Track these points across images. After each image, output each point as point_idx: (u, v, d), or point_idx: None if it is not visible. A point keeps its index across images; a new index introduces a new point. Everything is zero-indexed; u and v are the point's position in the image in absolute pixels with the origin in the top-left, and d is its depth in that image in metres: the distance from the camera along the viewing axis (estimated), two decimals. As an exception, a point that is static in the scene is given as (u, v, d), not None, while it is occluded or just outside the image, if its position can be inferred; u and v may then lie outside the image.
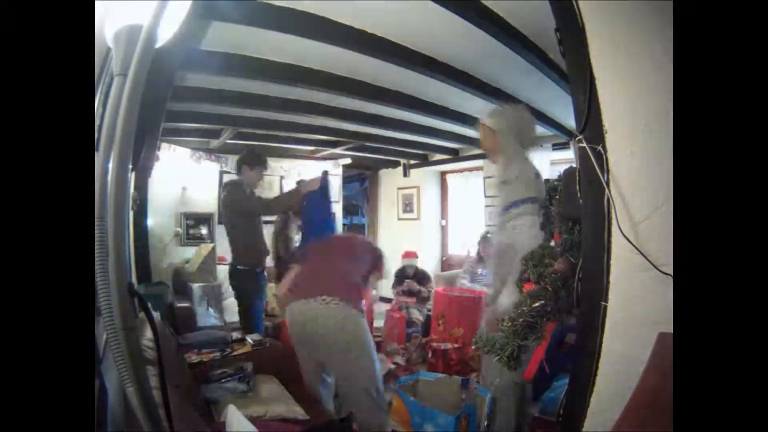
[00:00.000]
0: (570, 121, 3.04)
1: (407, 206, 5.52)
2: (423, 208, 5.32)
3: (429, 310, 3.70)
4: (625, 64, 0.95)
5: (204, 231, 4.32)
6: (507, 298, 1.69)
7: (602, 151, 0.96)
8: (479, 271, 3.86)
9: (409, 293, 4.02)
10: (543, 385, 2.33)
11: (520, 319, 1.32)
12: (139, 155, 2.52)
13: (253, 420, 1.37)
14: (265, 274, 2.89)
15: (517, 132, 1.71)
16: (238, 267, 2.73)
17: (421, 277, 4.18)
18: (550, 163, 3.77)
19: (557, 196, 1.44)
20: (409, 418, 1.67)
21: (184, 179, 4.15)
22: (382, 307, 4.21)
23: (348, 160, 5.06)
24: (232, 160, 4.43)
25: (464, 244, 4.82)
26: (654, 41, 0.90)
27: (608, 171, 0.96)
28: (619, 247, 0.95)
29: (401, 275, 4.20)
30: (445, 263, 5.19)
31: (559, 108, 2.89)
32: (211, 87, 2.57)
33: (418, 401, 1.66)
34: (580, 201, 1.06)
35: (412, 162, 5.28)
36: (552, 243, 1.60)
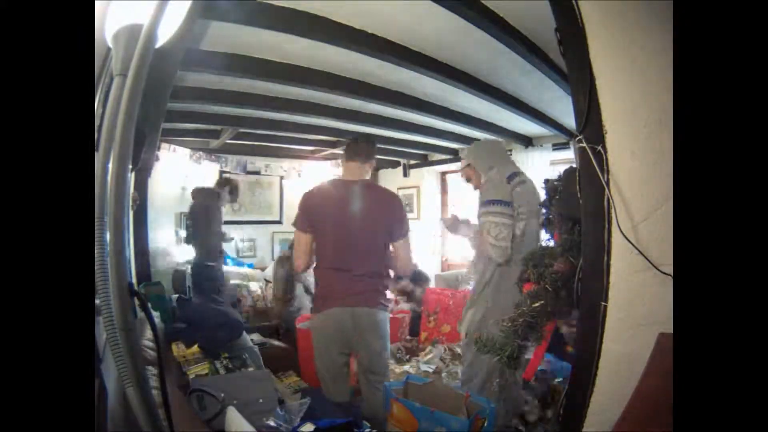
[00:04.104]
0: (570, 121, 3.04)
1: (407, 206, 5.50)
2: (423, 208, 5.32)
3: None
4: (625, 64, 0.95)
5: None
6: (471, 316, 1.99)
7: (602, 151, 0.96)
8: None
9: (403, 293, 4.04)
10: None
11: (520, 319, 1.32)
12: (139, 155, 2.52)
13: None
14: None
15: (485, 156, 2.09)
16: None
17: (418, 278, 4.21)
18: (550, 163, 3.76)
19: (557, 196, 1.44)
20: (416, 425, 1.65)
21: (184, 179, 4.14)
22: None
23: (348, 160, 5.04)
24: (232, 160, 4.45)
25: (464, 244, 4.81)
26: (654, 41, 0.90)
27: (608, 171, 0.96)
28: (619, 247, 0.95)
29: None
30: (445, 263, 5.19)
31: (559, 108, 2.89)
32: (211, 87, 2.56)
33: (426, 407, 1.65)
34: (580, 201, 1.06)
35: (412, 162, 5.27)
36: (552, 243, 1.60)
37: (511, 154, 4.00)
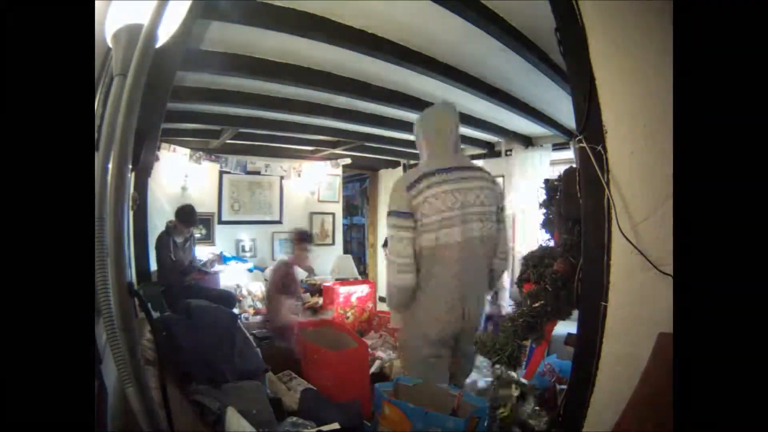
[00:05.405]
0: (570, 121, 3.04)
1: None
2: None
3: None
4: (625, 64, 0.95)
5: (204, 231, 4.32)
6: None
7: (602, 151, 0.96)
8: None
9: None
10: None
11: (520, 319, 1.32)
12: (139, 155, 2.52)
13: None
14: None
15: (419, 142, 1.75)
16: None
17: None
18: (550, 163, 3.76)
19: (557, 196, 1.44)
20: (409, 426, 1.64)
21: (184, 179, 4.14)
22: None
23: (348, 160, 5.05)
24: (232, 160, 4.44)
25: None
26: (654, 41, 0.89)
27: (608, 171, 0.96)
28: (619, 247, 0.95)
29: None
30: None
31: (559, 108, 2.89)
32: (211, 87, 2.56)
33: (420, 408, 1.64)
34: (580, 201, 1.06)
35: (412, 162, 5.27)
36: (552, 243, 1.60)
37: (511, 155, 4.01)
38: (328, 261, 4.88)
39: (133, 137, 0.70)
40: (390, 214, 1.61)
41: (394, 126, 3.42)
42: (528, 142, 3.93)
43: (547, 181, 1.65)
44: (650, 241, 0.91)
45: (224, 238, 4.49)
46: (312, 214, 5.08)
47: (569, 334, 2.40)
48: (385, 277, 1.80)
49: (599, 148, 0.96)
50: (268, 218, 4.83)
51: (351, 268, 4.82)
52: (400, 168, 5.44)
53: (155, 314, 2.27)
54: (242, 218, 4.66)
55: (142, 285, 2.85)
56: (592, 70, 0.97)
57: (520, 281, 1.52)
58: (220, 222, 4.48)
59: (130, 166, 0.72)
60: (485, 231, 1.58)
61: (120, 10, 0.77)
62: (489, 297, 2.22)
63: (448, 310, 1.55)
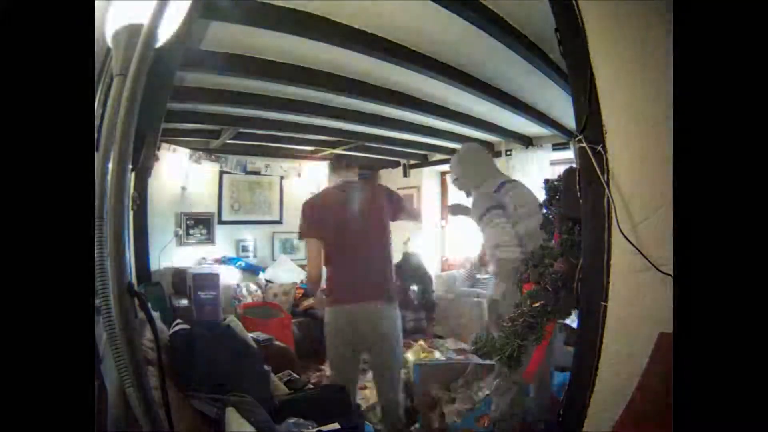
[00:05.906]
0: (570, 121, 3.04)
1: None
2: (423, 208, 5.31)
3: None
4: (625, 63, 0.95)
5: (204, 231, 4.32)
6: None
7: (602, 151, 0.96)
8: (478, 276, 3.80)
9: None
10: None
11: (520, 319, 1.32)
12: (139, 155, 2.52)
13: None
14: None
15: (470, 174, 2.16)
16: None
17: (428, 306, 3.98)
18: (550, 163, 3.76)
19: (557, 196, 1.44)
20: None
21: (184, 179, 4.14)
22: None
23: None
24: (232, 160, 4.44)
25: (464, 244, 4.80)
26: (654, 41, 0.89)
27: (608, 171, 0.96)
28: (619, 247, 0.95)
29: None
30: (445, 263, 5.19)
31: (559, 108, 2.89)
32: (211, 87, 2.56)
33: None
34: (580, 201, 1.06)
35: (412, 162, 5.27)
36: (552, 243, 1.60)
37: (510, 155, 4.01)
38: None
39: (133, 137, 0.70)
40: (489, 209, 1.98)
41: (394, 126, 3.42)
42: (528, 142, 3.93)
43: (547, 181, 1.64)
44: (650, 241, 0.91)
45: (224, 238, 4.49)
46: (312, 214, 5.08)
47: (569, 334, 2.42)
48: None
49: (599, 148, 0.96)
50: (268, 218, 4.83)
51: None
52: (400, 168, 5.44)
53: (155, 314, 2.26)
54: (242, 218, 4.66)
55: (143, 285, 2.84)
56: (592, 70, 0.97)
57: (520, 281, 1.52)
58: (220, 222, 4.48)
59: (130, 166, 0.72)
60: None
61: (120, 10, 0.77)
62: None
63: None
